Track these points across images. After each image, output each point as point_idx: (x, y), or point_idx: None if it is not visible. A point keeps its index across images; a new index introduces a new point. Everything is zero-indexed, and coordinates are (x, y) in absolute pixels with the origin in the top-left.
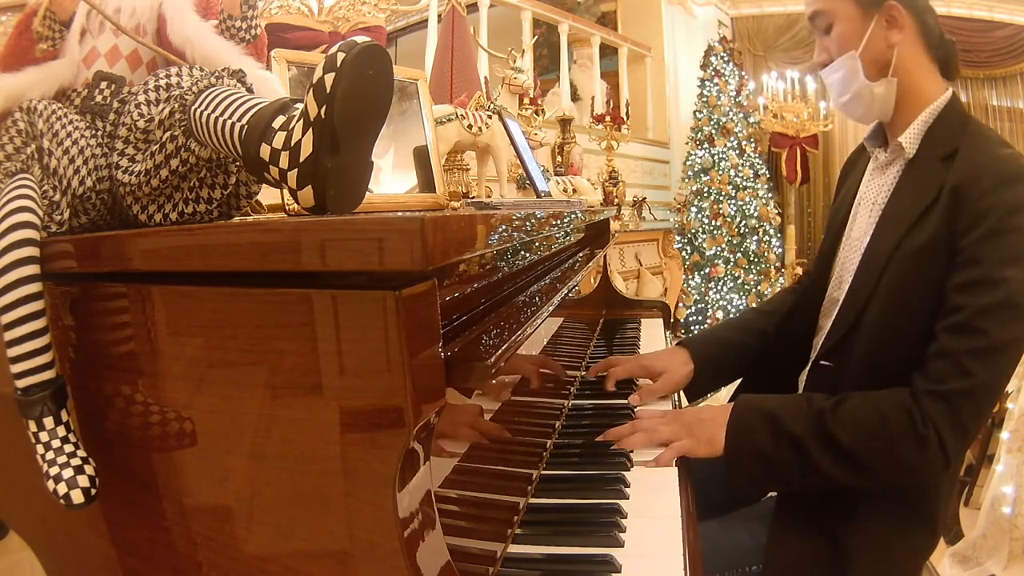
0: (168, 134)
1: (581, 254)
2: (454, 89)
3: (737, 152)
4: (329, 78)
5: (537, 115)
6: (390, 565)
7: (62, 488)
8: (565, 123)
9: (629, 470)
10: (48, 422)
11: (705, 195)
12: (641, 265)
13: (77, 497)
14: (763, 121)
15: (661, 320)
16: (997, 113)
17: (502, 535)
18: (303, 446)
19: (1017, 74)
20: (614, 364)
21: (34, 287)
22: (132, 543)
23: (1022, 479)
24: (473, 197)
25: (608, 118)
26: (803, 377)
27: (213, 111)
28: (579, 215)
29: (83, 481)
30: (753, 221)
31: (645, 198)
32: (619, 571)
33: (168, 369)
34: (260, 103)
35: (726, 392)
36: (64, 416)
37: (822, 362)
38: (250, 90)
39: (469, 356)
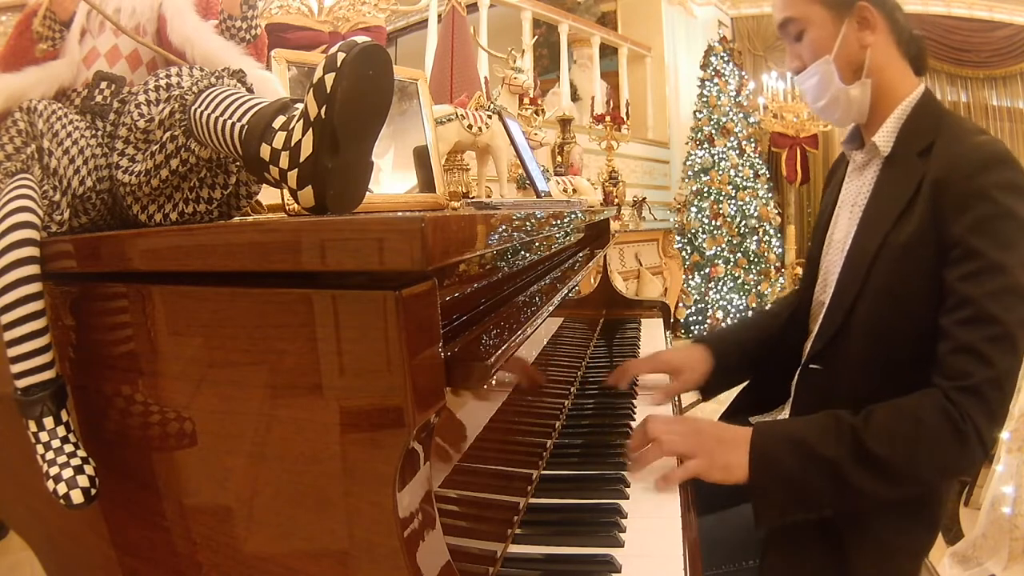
0: (168, 134)
1: (581, 254)
2: (454, 89)
3: (737, 152)
4: (329, 78)
5: (537, 115)
6: (390, 565)
7: (62, 488)
8: (565, 123)
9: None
10: (48, 422)
11: (705, 195)
12: (641, 265)
13: (77, 497)
14: (763, 121)
15: (661, 320)
16: (997, 113)
17: (502, 535)
18: (303, 446)
19: (1017, 74)
20: (635, 362)
21: (34, 287)
22: (132, 543)
23: (1022, 479)
24: (473, 197)
25: (608, 118)
26: (794, 382)
27: (213, 111)
28: (579, 215)
29: (83, 481)
30: (753, 221)
31: (645, 198)
32: (619, 571)
33: (168, 369)
34: (260, 103)
35: (726, 395)
36: (64, 416)
37: (811, 366)
38: (250, 90)
39: (469, 356)
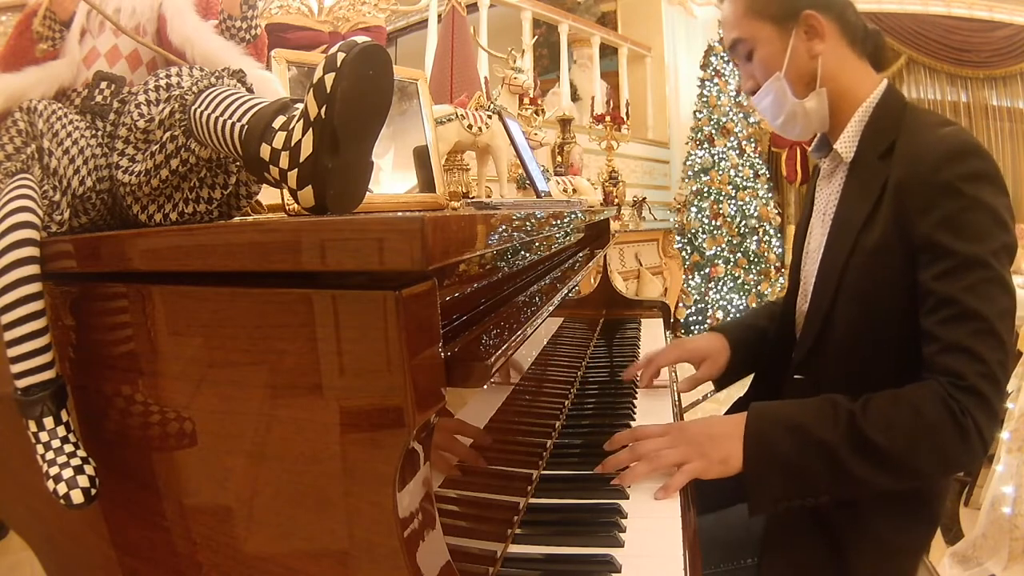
0: (168, 134)
1: (581, 254)
2: (454, 89)
3: (737, 152)
4: (329, 78)
5: (537, 115)
6: (390, 565)
7: (62, 488)
8: (565, 123)
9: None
10: (48, 422)
11: (705, 195)
12: (641, 265)
13: (77, 497)
14: (763, 121)
15: (661, 320)
16: (997, 113)
17: (502, 535)
18: (303, 446)
19: (1017, 74)
20: (656, 353)
21: (34, 287)
22: (132, 543)
23: (1022, 479)
24: (473, 197)
25: (608, 118)
26: (782, 392)
27: (213, 111)
28: (579, 215)
29: (83, 481)
30: (753, 221)
31: (645, 198)
32: (619, 571)
33: (168, 369)
34: (260, 103)
35: (723, 395)
36: (64, 416)
37: (795, 376)
38: (250, 90)
39: (469, 356)
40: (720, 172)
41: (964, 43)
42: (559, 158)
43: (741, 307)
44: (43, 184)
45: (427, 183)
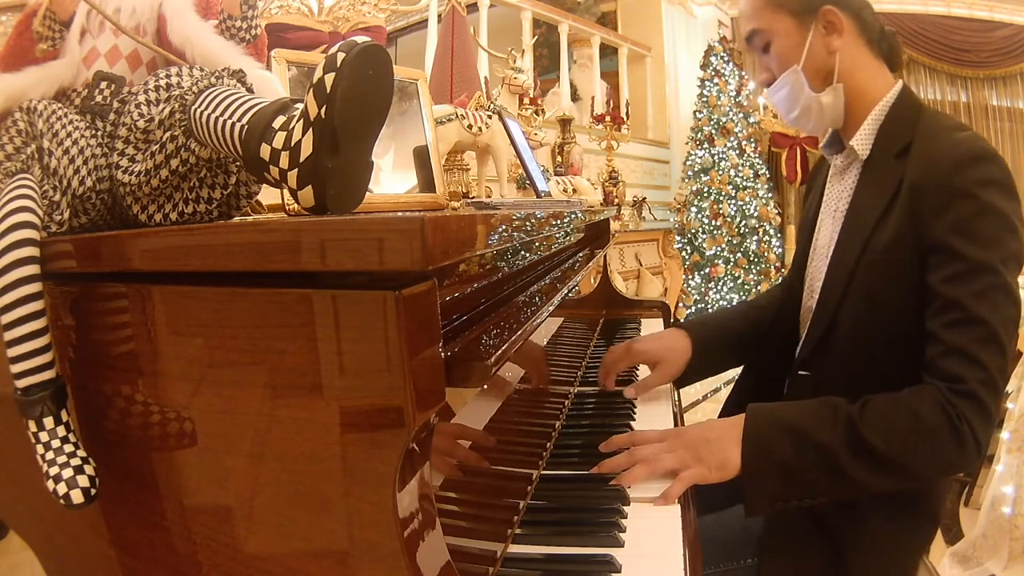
0: (168, 134)
1: (581, 254)
2: (454, 89)
3: (737, 152)
4: (329, 78)
5: (537, 115)
6: (390, 565)
7: (62, 488)
8: (565, 123)
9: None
10: (48, 422)
11: (705, 195)
12: (641, 265)
13: (77, 497)
14: (763, 121)
15: (661, 320)
16: (997, 113)
17: (502, 535)
18: (303, 446)
19: (1017, 74)
20: (610, 359)
21: (34, 287)
22: (132, 543)
23: (1022, 479)
24: (473, 197)
25: (608, 118)
26: (786, 387)
27: (213, 111)
28: (579, 215)
29: (83, 481)
30: (753, 221)
31: (645, 198)
32: (619, 571)
33: (168, 369)
34: (260, 103)
35: (724, 391)
36: (64, 416)
37: (801, 372)
38: (250, 90)
39: (469, 356)
40: (720, 172)
41: (964, 43)
42: (559, 158)
43: None
44: (43, 184)
45: (427, 183)
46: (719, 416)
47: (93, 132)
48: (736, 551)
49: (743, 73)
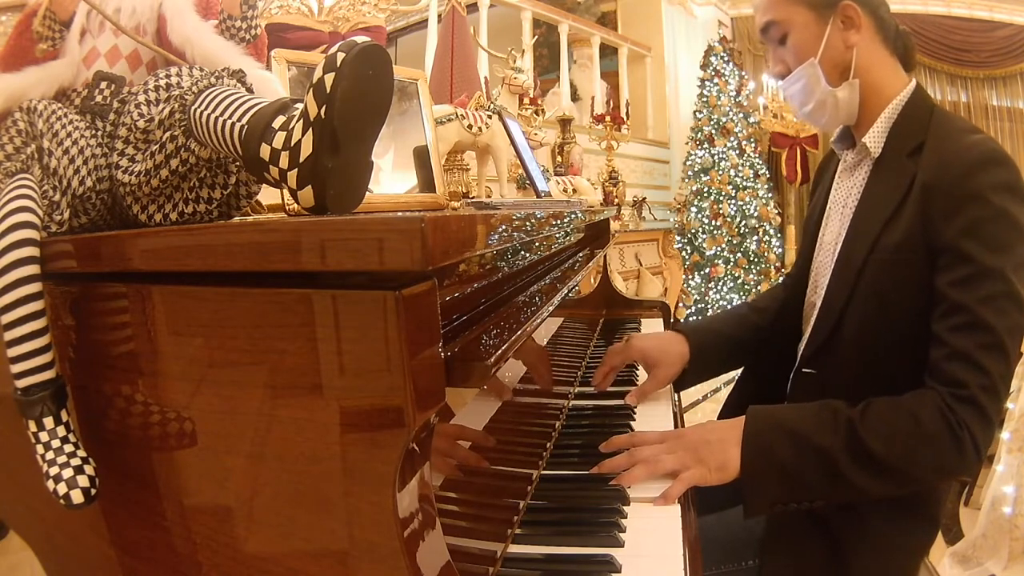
0: (168, 134)
1: (581, 254)
2: (454, 89)
3: (737, 152)
4: (329, 78)
5: (537, 115)
6: (390, 565)
7: (62, 488)
8: (565, 123)
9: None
10: (48, 422)
11: (705, 195)
12: (641, 265)
13: (77, 497)
14: (763, 121)
15: (661, 320)
16: (997, 113)
17: (502, 535)
18: (303, 446)
19: (1017, 74)
20: (609, 358)
21: (34, 287)
22: (132, 543)
23: (1022, 479)
24: (473, 197)
25: (608, 118)
26: (789, 385)
27: (213, 111)
28: (579, 215)
29: (83, 481)
30: (753, 221)
31: (645, 198)
32: (619, 571)
33: (168, 369)
34: (260, 103)
35: (724, 391)
36: (64, 416)
37: (804, 369)
38: (250, 90)
39: (469, 356)
40: (720, 172)
41: (964, 43)
42: (559, 158)
43: None
44: (43, 184)
45: (427, 183)
46: (719, 416)
47: (93, 132)
48: (737, 552)
49: (743, 73)
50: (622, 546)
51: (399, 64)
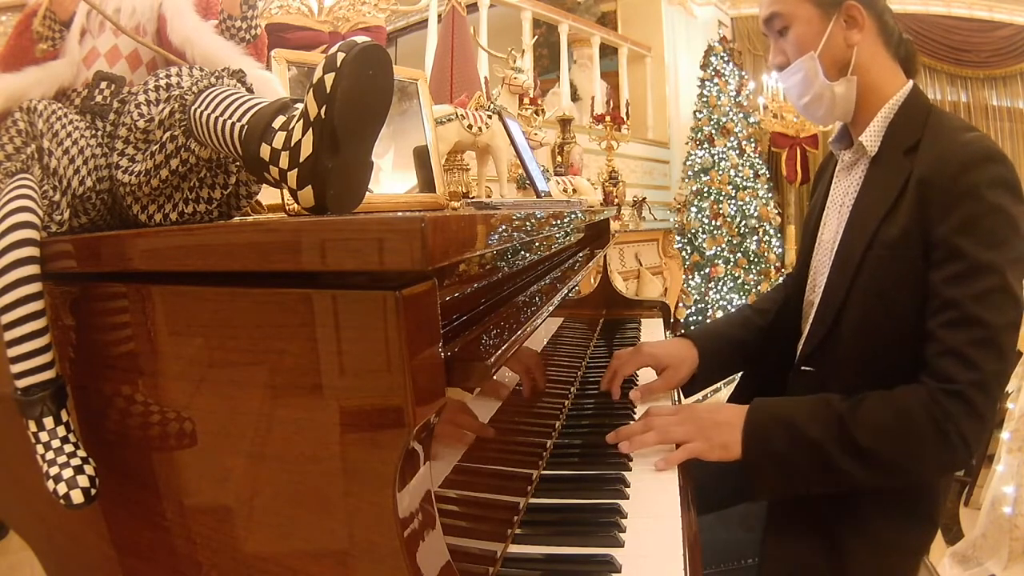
0: (168, 134)
1: (581, 254)
2: (454, 89)
3: (737, 152)
4: (329, 78)
5: (537, 115)
6: (390, 565)
7: (62, 488)
8: (565, 123)
9: (630, 470)
10: (48, 422)
11: (705, 195)
12: (641, 265)
13: (77, 497)
14: (763, 121)
15: (661, 320)
16: (997, 113)
17: (502, 535)
18: (303, 446)
19: (1017, 74)
20: (618, 363)
21: (34, 287)
22: (132, 543)
23: (1022, 479)
24: (473, 197)
25: (608, 118)
26: (788, 383)
27: (213, 111)
28: (579, 215)
29: (83, 481)
30: (753, 221)
31: (645, 198)
32: (619, 571)
33: (168, 369)
34: (260, 103)
35: (725, 391)
36: (64, 416)
37: (803, 368)
38: (250, 90)
39: (469, 356)
40: (720, 172)
41: (964, 43)
42: (559, 158)
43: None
44: (43, 184)
45: (427, 183)
46: None
47: (93, 132)
48: (736, 551)
49: (743, 73)
50: (622, 546)
51: (399, 64)
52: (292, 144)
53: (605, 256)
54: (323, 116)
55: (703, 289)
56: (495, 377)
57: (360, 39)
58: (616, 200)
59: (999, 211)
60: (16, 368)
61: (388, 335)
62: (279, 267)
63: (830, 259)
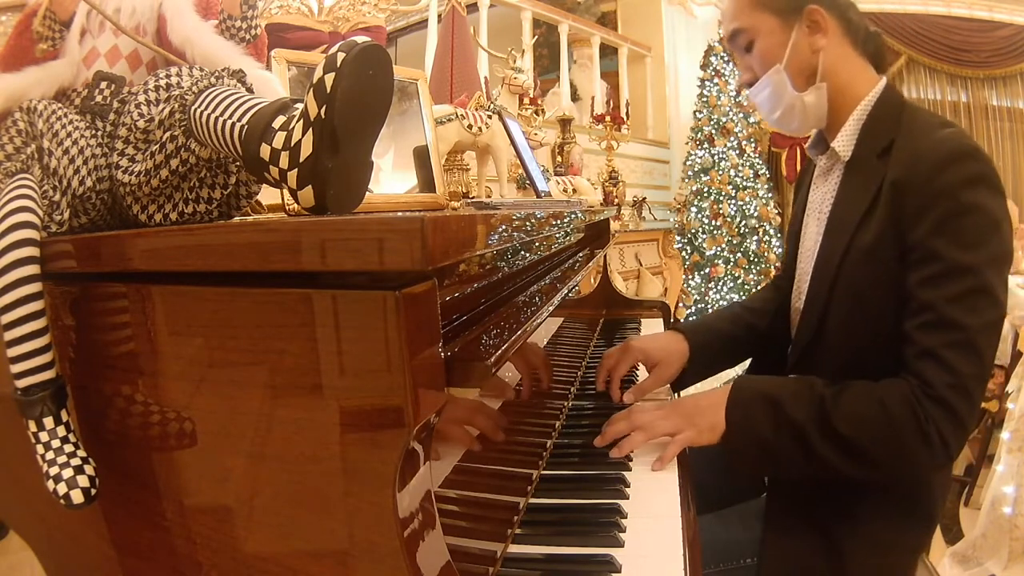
0: (168, 134)
1: (581, 254)
2: (454, 89)
3: (737, 152)
4: (329, 78)
5: (537, 115)
6: (390, 565)
7: (62, 488)
8: (565, 123)
9: (630, 470)
10: (48, 422)
11: (705, 195)
12: (641, 265)
13: (77, 497)
14: (763, 121)
15: (661, 320)
16: (997, 113)
17: (502, 535)
18: (303, 446)
19: (1017, 74)
20: (610, 362)
21: (34, 287)
22: (132, 543)
23: (1022, 479)
24: (473, 197)
25: (608, 118)
26: None
27: (213, 111)
28: (579, 215)
29: (83, 481)
30: (753, 221)
31: (645, 198)
32: (619, 571)
33: (168, 369)
34: (260, 103)
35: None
36: (64, 416)
37: (791, 376)
38: (250, 90)
39: (469, 356)
40: (720, 172)
41: (964, 43)
42: (559, 158)
43: None
44: (43, 184)
45: (427, 183)
46: None
47: (93, 132)
48: (736, 551)
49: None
50: (622, 546)
51: (399, 64)
52: (292, 144)
53: (605, 256)
54: (323, 116)
55: (703, 289)
56: (495, 377)
57: (360, 39)
58: (616, 200)
59: (976, 210)
60: (16, 368)
61: (388, 335)
62: (279, 267)
63: (811, 267)
